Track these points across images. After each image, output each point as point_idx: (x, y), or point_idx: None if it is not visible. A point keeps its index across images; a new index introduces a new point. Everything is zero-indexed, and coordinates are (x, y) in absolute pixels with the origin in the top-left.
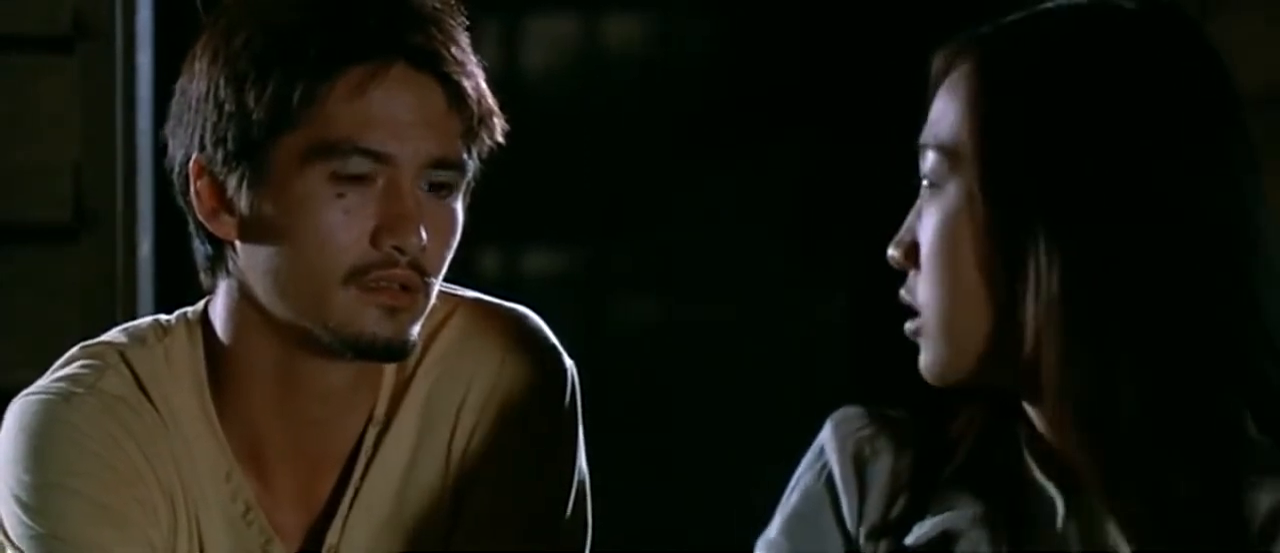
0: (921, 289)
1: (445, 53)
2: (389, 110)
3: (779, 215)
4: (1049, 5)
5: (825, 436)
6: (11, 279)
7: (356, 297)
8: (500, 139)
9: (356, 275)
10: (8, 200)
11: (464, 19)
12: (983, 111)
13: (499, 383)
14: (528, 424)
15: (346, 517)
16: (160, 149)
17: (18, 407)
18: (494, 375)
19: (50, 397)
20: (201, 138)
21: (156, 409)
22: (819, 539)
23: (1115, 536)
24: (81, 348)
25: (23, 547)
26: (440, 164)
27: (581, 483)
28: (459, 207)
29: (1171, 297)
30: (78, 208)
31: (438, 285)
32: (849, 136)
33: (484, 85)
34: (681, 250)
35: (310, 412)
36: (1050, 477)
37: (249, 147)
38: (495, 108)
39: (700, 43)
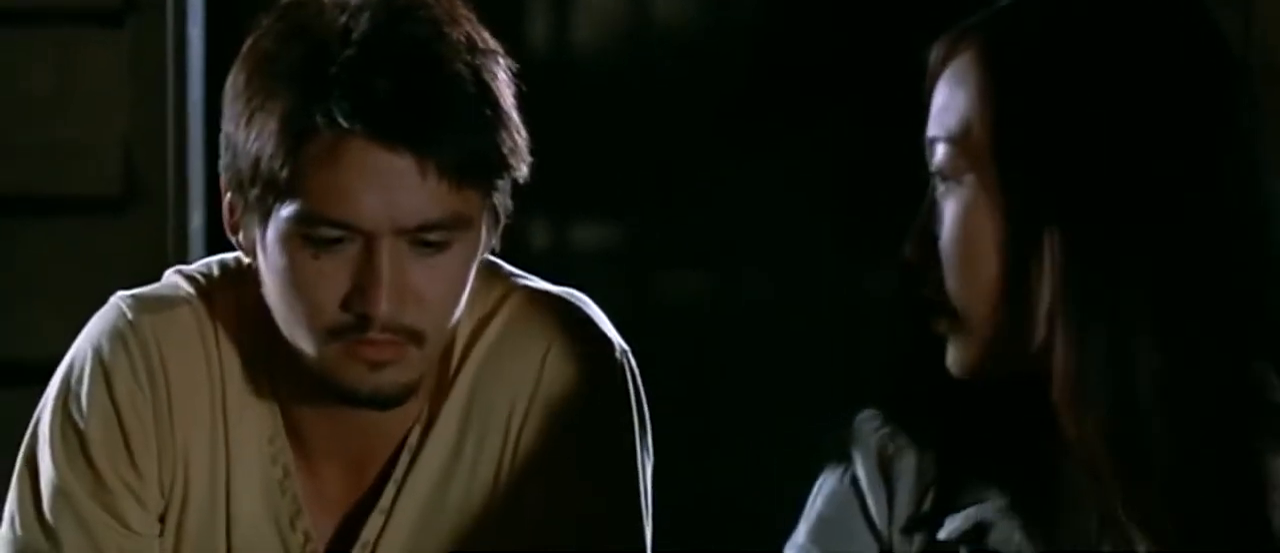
0: (946, 284)
1: (416, 118)
2: (353, 182)
3: (826, 191)
4: None
5: (847, 437)
6: (61, 252)
7: (340, 351)
8: (522, 175)
9: (336, 335)
10: (58, 173)
11: (477, 54)
12: (994, 100)
13: (542, 380)
14: (573, 421)
15: (388, 515)
16: (212, 122)
17: (107, 309)
18: (536, 371)
19: (119, 324)
20: (223, 155)
21: (220, 354)
22: (849, 541)
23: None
24: (177, 270)
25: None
26: (422, 228)
27: (639, 477)
28: (463, 257)
29: (1187, 272)
30: (128, 181)
31: (444, 330)
32: (897, 112)
33: (497, 126)
34: (729, 225)
35: (354, 415)
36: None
37: (243, 186)
38: (512, 146)
39: (748, 17)
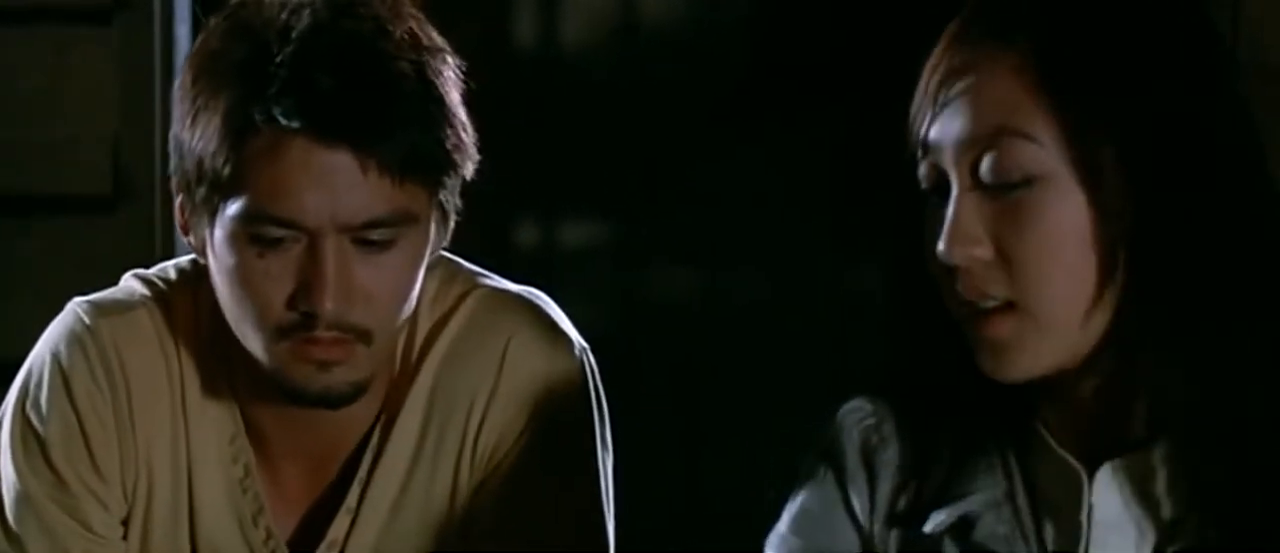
0: (1019, 285)
1: (356, 116)
2: (296, 180)
3: (817, 188)
4: None
5: (831, 429)
6: (49, 250)
7: (289, 351)
8: (469, 173)
9: (284, 334)
10: (46, 171)
11: (421, 51)
12: (1067, 96)
13: (501, 376)
14: (532, 417)
15: (355, 514)
16: None
17: (63, 315)
18: (496, 368)
19: (76, 329)
20: (171, 156)
21: (179, 355)
22: (830, 534)
23: (1152, 500)
24: (134, 275)
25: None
26: (366, 225)
27: (599, 473)
28: (410, 255)
29: (1258, 249)
30: (116, 179)
31: (393, 328)
32: (886, 108)
33: (441, 122)
34: (719, 224)
35: (312, 414)
36: (1072, 450)
37: (190, 186)
38: (456, 142)
39: (738, 14)
